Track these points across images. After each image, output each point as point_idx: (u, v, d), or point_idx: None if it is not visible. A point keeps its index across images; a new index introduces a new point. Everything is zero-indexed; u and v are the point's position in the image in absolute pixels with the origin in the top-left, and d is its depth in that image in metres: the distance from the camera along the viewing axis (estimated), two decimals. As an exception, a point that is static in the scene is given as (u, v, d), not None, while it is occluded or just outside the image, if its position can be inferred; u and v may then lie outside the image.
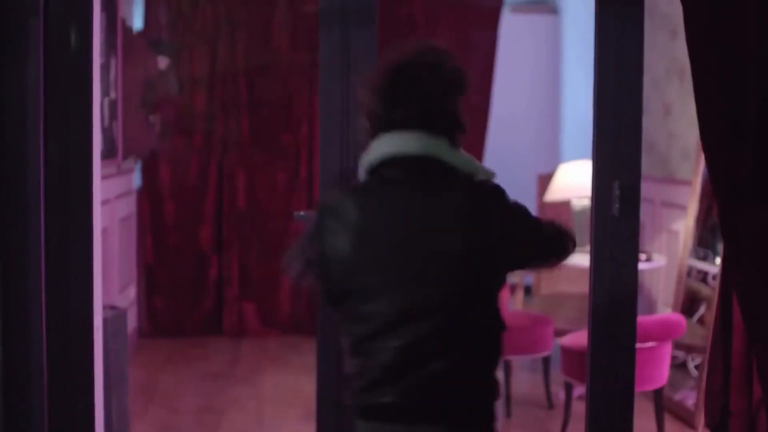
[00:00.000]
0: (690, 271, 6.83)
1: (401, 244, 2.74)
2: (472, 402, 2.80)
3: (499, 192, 2.80)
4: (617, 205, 4.16)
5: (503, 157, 9.03)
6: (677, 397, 6.47)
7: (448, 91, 2.82)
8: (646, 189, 5.46)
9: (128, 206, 8.26)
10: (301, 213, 4.20)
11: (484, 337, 2.80)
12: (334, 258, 2.78)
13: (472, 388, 2.79)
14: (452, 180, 2.79)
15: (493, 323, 2.83)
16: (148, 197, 8.58)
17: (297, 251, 2.95)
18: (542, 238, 2.96)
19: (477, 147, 8.39)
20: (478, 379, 2.80)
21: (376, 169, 2.82)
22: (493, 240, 2.74)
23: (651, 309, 7.84)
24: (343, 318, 2.86)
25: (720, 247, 5.96)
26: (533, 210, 9.24)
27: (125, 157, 7.94)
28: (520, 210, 2.85)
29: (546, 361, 6.61)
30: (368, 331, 2.76)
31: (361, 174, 2.89)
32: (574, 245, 3.11)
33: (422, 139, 2.77)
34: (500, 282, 2.85)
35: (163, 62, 8.46)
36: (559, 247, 3.04)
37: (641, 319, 5.10)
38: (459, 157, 2.81)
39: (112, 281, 7.34)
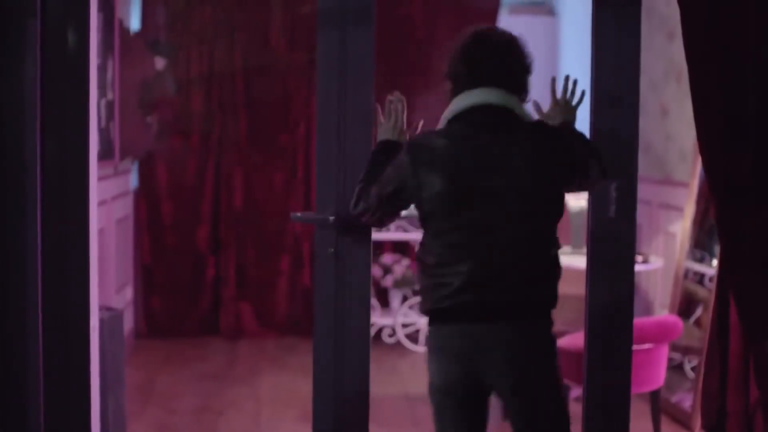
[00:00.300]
0: (687, 273, 6.83)
1: (488, 177, 3.36)
2: (541, 303, 3.46)
3: (558, 131, 3.59)
4: (614, 207, 4.16)
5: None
6: (674, 398, 6.47)
7: (521, 61, 3.61)
8: (643, 190, 5.46)
9: (125, 207, 8.26)
10: (298, 214, 4.20)
11: (551, 253, 3.47)
12: (428, 189, 3.39)
13: (541, 294, 3.46)
14: (523, 127, 3.49)
15: (555, 243, 3.49)
16: (145, 198, 8.57)
17: (372, 187, 3.55)
18: (591, 155, 3.62)
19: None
20: (545, 285, 3.48)
21: (461, 116, 3.45)
22: (557, 166, 3.46)
23: (648, 311, 7.84)
24: (426, 241, 3.46)
25: (717, 248, 5.96)
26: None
27: (122, 158, 7.93)
28: (576, 138, 3.65)
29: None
30: (452, 254, 3.38)
31: (442, 120, 3.51)
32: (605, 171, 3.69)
33: (502, 93, 3.47)
34: (561, 206, 3.50)
35: (160, 63, 8.46)
36: (601, 167, 3.64)
37: (638, 320, 5.10)
38: (526, 111, 3.56)
39: (109, 282, 7.34)
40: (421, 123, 3.86)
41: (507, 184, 3.37)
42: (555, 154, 3.46)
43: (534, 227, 3.42)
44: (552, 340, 3.49)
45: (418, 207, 3.47)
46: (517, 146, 3.41)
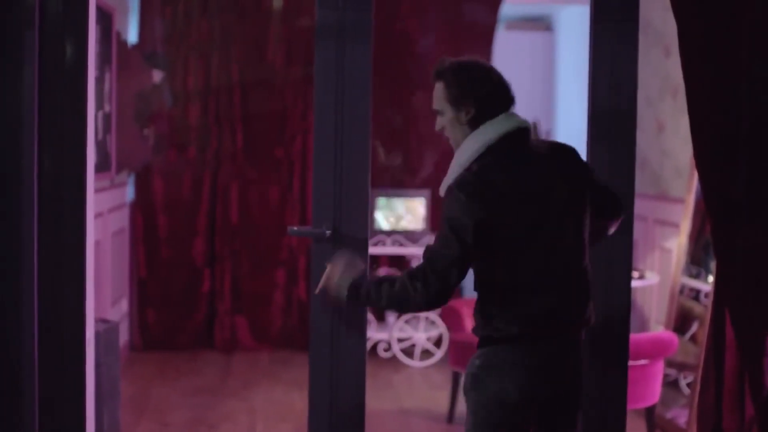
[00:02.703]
0: (682, 289, 6.84)
1: (550, 199, 3.42)
2: (584, 323, 3.55)
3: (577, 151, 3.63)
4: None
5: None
6: (669, 415, 6.47)
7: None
8: (639, 206, 5.47)
9: (121, 219, 8.26)
10: (295, 228, 4.20)
11: (589, 268, 3.55)
12: (504, 224, 3.36)
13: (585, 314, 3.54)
14: (554, 147, 3.58)
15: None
16: (142, 210, 8.57)
17: (451, 258, 3.38)
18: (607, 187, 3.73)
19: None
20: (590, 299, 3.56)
21: (501, 142, 3.44)
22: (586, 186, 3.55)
23: (643, 327, 7.85)
24: (503, 269, 3.41)
25: (713, 265, 5.97)
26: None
27: (119, 170, 7.94)
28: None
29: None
30: (531, 278, 3.41)
31: (475, 150, 3.44)
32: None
33: (520, 117, 3.52)
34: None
35: (157, 75, 8.46)
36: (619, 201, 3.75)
37: (634, 336, 5.10)
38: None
39: (105, 294, 7.33)
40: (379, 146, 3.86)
41: (564, 202, 3.45)
42: (586, 172, 3.60)
43: (583, 243, 3.52)
44: None
45: (487, 247, 3.38)
46: (564, 168, 3.51)
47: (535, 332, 3.42)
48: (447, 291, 3.40)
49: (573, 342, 3.51)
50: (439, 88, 3.54)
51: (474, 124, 3.48)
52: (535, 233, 3.39)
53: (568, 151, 3.58)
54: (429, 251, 3.41)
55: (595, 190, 3.60)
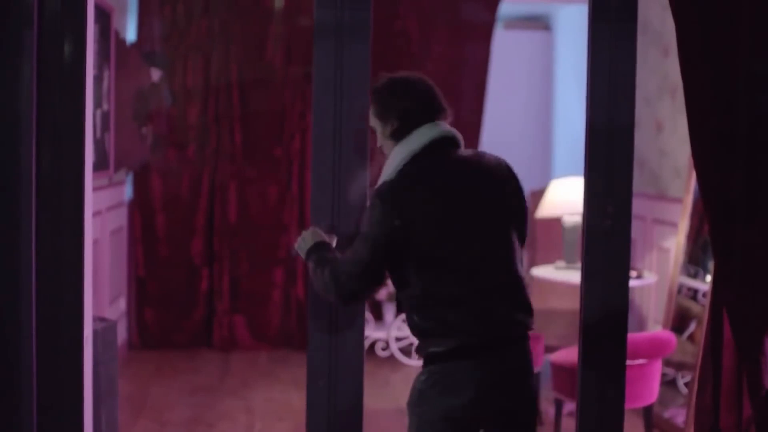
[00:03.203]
0: (680, 289, 6.84)
1: (469, 206, 3.43)
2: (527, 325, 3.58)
3: (504, 159, 3.66)
4: (609, 222, 4.17)
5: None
6: (667, 414, 6.47)
7: (436, 91, 3.61)
8: (638, 206, 5.47)
9: (119, 218, 8.26)
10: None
11: (521, 274, 3.55)
12: (421, 233, 3.36)
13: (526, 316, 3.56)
14: (479, 156, 3.60)
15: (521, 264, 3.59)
16: (140, 209, 8.57)
17: (361, 264, 3.43)
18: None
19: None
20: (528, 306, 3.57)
21: (424, 152, 3.47)
22: (513, 194, 3.59)
23: (641, 326, 7.85)
24: (421, 287, 3.41)
25: (711, 264, 5.97)
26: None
27: (117, 169, 7.93)
28: None
29: (536, 377, 6.60)
30: (456, 291, 3.40)
31: (399, 160, 3.49)
32: None
33: (447, 126, 3.57)
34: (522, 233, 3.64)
35: (156, 74, 8.46)
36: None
37: (631, 336, 5.10)
38: (460, 136, 3.62)
39: (103, 293, 7.33)
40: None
41: (489, 212, 3.48)
42: (511, 177, 3.62)
43: (512, 252, 3.51)
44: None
45: (405, 256, 3.41)
46: (488, 176, 3.53)
47: (475, 345, 3.41)
48: (357, 294, 3.52)
49: (518, 352, 3.51)
50: (371, 107, 3.66)
51: (398, 136, 3.54)
52: (458, 243, 3.40)
53: (499, 163, 3.60)
54: (345, 256, 3.51)
55: (522, 203, 3.64)
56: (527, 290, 3.56)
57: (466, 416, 3.42)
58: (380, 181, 3.51)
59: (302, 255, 3.69)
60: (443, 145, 3.51)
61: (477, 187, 3.48)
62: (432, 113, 3.54)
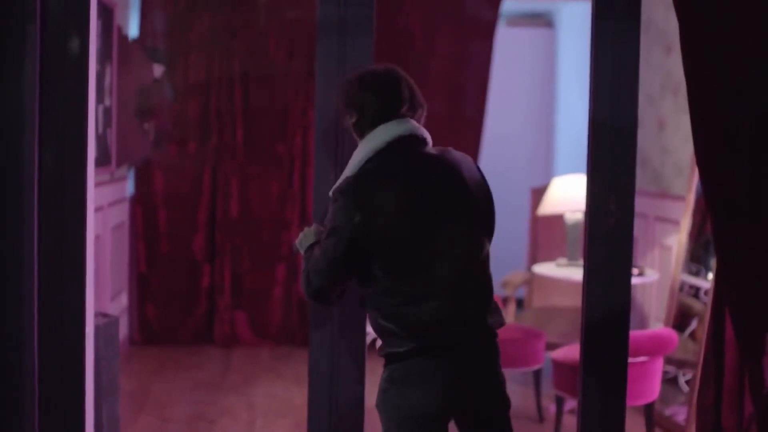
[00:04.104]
0: (682, 286, 6.84)
1: (440, 206, 3.42)
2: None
3: (470, 157, 3.64)
4: (611, 220, 4.16)
5: (497, 170, 9.02)
6: (668, 412, 6.47)
7: (416, 92, 3.59)
8: (640, 204, 5.47)
9: (121, 214, 8.26)
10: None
11: (488, 272, 3.57)
12: (382, 230, 3.35)
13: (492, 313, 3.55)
14: (446, 154, 3.54)
15: (488, 262, 3.59)
16: (142, 205, 8.57)
17: (326, 259, 3.43)
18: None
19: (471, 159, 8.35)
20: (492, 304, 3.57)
21: (387, 149, 3.47)
22: (479, 192, 3.55)
23: (643, 324, 7.85)
24: (381, 286, 3.40)
25: (713, 262, 5.97)
26: (526, 223, 9.24)
27: (119, 165, 7.93)
28: None
29: (537, 374, 6.60)
30: (419, 289, 3.39)
31: (363, 155, 3.49)
32: None
33: (414, 123, 3.53)
34: (491, 231, 3.62)
35: (158, 70, 8.46)
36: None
37: (633, 333, 5.10)
38: (427, 134, 3.58)
39: (105, 289, 7.33)
40: None
41: (453, 210, 3.45)
42: (478, 177, 3.60)
43: (479, 251, 3.50)
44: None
45: (368, 253, 3.40)
46: (452, 173, 3.49)
47: (435, 345, 3.40)
48: (323, 290, 3.49)
49: (482, 352, 3.50)
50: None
51: (358, 130, 3.57)
52: (420, 240, 3.38)
53: (465, 160, 3.57)
54: (314, 253, 3.51)
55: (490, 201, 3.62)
56: (490, 290, 3.54)
57: (428, 414, 3.40)
58: (342, 177, 3.51)
59: (302, 252, 3.69)
60: (407, 142, 3.49)
61: (440, 184, 3.45)
62: (395, 109, 3.52)
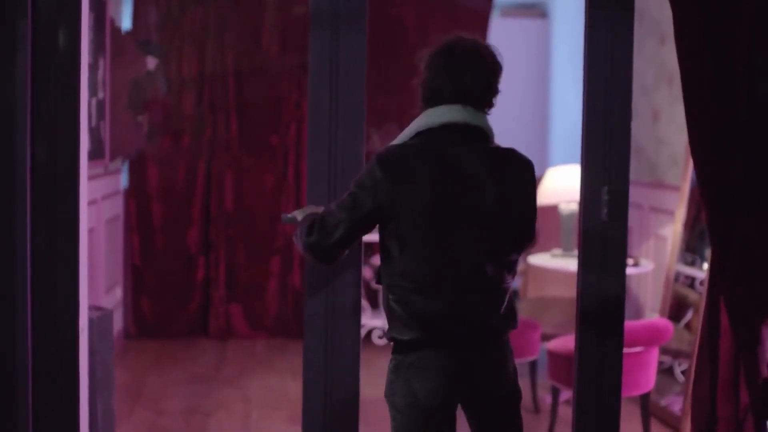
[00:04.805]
0: (677, 277, 6.84)
1: (469, 197, 3.33)
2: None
3: (530, 162, 3.54)
4: (606, 210, 4.16)
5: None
6: (664, 402, 6.47)
7: (496, 77, 3.51)
8: (635, 194, 5.47)
9: (115, 207, 8.24)
10: (288, 215, 4.19)
11: (507, 281, 3.46)
12: (409, 208, 3.30)
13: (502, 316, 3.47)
14: (499, 150, 3.48)
15: (513, 271, 3.48)
16: (136, 198, 8.55)
17: (330, 217, 3.40)
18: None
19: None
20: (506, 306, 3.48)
21: (434, 131, 3.40)
22: (520, 200, 3.44)
23: (638, 314, 7.85)
24: (400, 265, 3.36)
25: (708, 252, 5.96)
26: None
27: (113, 158, 7.92)
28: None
29: (533, 365, 6.60)
30: (434, 276, 3.34)
31: (414, 128, 3.43)
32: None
33: (479, 114, 3.46)
34: (527, 238, 3.48)
35: (151, 63, 8.44)
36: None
37: (628, 324, 5.10)
38: (491, 128, 3.53)
39: (99, 282, 7.32)
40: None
41: (484, 210, 3.35)
42: (526, 185, 3.48)
43: (501, 256, 3.40)
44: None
45: (390, 229, 3.36)
46: (493, 174, 3.38)
47: (439, 338, 3.37)
48: (325, 247, 3.41)
49: (488, 349, 3.44)
50: None
51: (425, 97, 3.47)
52: (442, 230, 3.32)
53: (518, 166, 3.49)
54: (329, 207, 3.47)
55: (533, 208, 3.49)
56: (503, 294, 3.44)
57: (431, 405, 3.37)
58: (393, 142, 3.45)
59: (299, 217, 3.68)
60: (462, 130, 3.40)
61: (474, 182, 3.34)
62: (461, 96, 3.42)
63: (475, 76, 3.43)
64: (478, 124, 3.43)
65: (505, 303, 3.44)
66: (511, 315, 3.49)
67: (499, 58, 3.52)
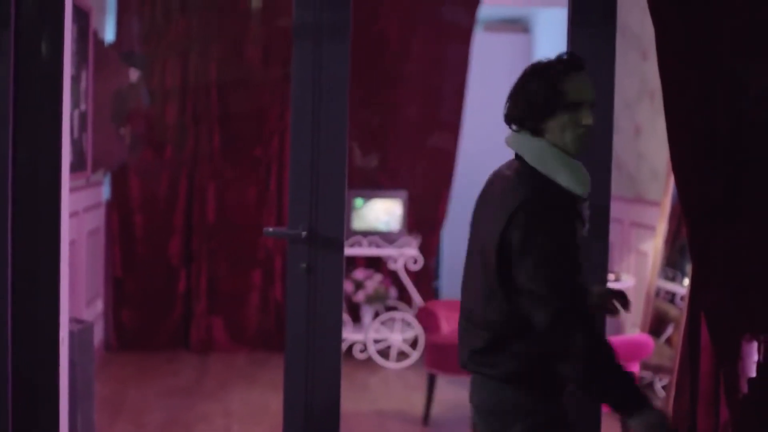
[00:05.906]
0: (658, 292, 6.85)
1: (474, 224, 3.31)
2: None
3: (529, 206, 3.08)
4: (587, 225, 4.17)
5: (475, 173, 9.01)
6: (644, 417, 6.47)
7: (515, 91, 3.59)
8: (615, 209, 5.47)
9: (97, 219, 8.22)
10: (270, 229, 4.20)
11: (492, 327, 3.21)
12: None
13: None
14: (506, 174, 3.31)
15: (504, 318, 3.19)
16: (117, 210, 8.53)
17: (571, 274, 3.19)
18: (530, 281, 3.10)
19: (448, 164, 8.40)
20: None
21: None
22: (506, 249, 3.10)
23: (619, 329, 7.86)
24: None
25: (688, 267, 5.98)
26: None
27: (95, 170, 7.90)
28: (535, 236, 3.08)
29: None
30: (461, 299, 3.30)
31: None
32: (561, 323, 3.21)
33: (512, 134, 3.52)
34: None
35: (134, 74, 8.43)
36: (539, 311, 3.12)
37: (609, 339, 5.10)
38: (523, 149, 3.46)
39: (80, 294, 7.29)
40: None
41: (480, 238, 3.22)
42: (514, 229, 3.09)
43: (491, 290, 3.16)
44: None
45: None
46: (497, 202, 3.21)
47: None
48: (585, 315, 3.33)
49: (480, 379, 3.26)
50: (586, 77, 3.35)
51: (538, 129, 3.51)
52: (467, 259, 3.33)
53: (508, 193, 3.18)
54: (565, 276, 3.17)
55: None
56: (497, 332, 3.17)
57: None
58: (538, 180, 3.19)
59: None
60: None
61: (485, 212, 3.26)
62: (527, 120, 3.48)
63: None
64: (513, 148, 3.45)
65: (488, 341, 3.20)
66: (486, 354, 3.23)
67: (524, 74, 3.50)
